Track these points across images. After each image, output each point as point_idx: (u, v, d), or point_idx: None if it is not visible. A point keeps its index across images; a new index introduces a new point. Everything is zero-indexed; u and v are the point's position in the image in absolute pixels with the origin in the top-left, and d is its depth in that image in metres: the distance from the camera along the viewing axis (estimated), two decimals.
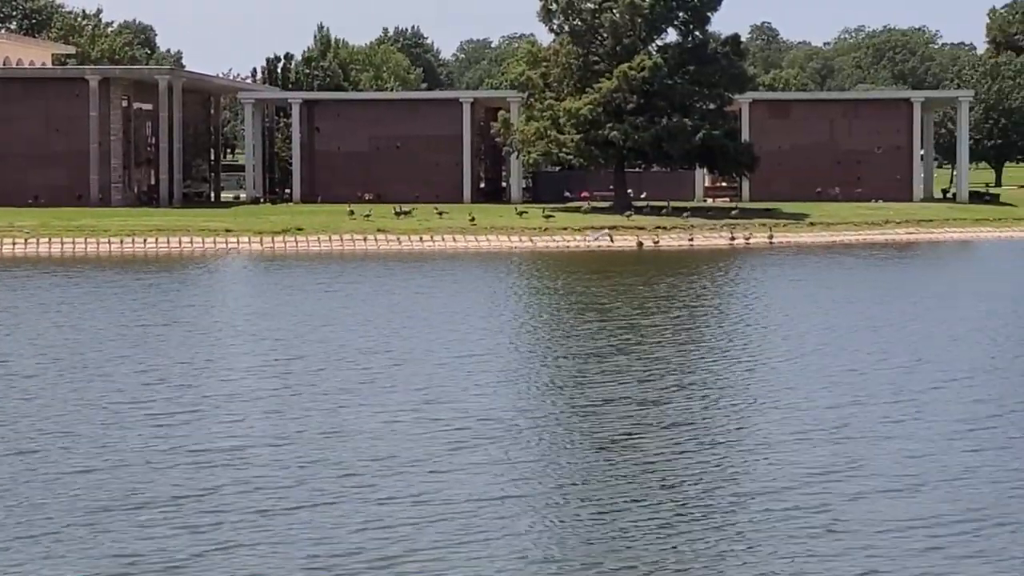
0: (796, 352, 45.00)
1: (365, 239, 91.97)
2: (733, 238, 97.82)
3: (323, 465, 29.74)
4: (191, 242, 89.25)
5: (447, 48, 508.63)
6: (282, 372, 40.81)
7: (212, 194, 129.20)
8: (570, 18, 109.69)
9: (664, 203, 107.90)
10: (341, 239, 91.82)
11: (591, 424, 33.78)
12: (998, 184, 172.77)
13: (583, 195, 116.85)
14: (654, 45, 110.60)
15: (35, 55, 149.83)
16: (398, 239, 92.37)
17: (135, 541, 24.46)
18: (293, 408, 35.58)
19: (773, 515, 25.54)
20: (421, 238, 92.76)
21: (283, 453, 30.77)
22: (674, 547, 23.85)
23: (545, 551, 24.07)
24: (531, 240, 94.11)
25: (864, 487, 27.50)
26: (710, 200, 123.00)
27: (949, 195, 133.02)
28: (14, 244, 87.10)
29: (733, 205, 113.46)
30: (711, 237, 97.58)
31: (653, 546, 23.98)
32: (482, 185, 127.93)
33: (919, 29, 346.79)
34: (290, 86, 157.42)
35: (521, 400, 37.12)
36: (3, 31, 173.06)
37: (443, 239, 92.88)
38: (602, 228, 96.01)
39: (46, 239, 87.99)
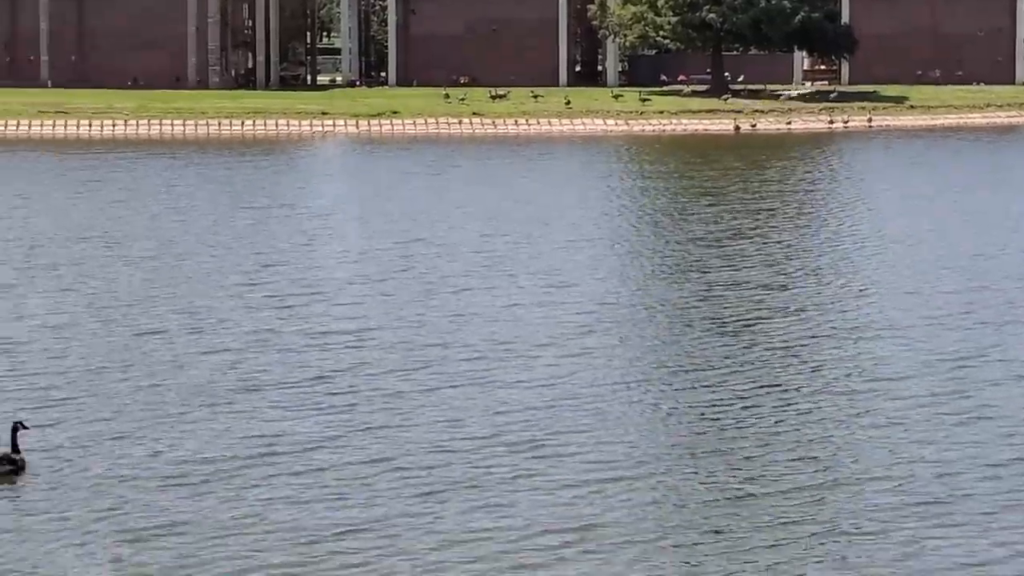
0: (912, 236, 44.47)
1: (460, 123, 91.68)
2: (831, 122, 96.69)
3: (446, 348, 29.75)
4: (287, 125, 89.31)
5: None
6: (398, 256, 40.78)
7: (308, 77, 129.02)
8: None
9: (761, 86, 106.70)
10: (436, 123, 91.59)
11: (716, 309, 33.55)
12: None
13: (681, 78, 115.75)
14: None
15: None
16: (493, 123, 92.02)
17: (267, 423, 24.59)
18: (413, 292, 35.57)
19: (911, 402, 25.31)
20: (516, 122, 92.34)
21: (409, 336, 30.79)
22: (811, 438, 23.67)
23: (673, 434, 24.00)
24: (627, 124, 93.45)
25: (1001, 373, 27.19)
26: (808, 83, 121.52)
27: None
28: (114, 126, 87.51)
29: (832, 88, 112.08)
30: (809, 121, 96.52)
31: (787, 434, 23.83)
32: (578, 69, 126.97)
33: None
34: None
35: (642, 284, 36.93)
36: None
37: (538, 123, 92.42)
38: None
39: (145, 121, 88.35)
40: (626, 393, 26.54)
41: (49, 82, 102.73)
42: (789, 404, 25.48)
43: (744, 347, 29.72)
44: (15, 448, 22.64)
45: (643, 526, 19.90)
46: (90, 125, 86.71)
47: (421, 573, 18.34)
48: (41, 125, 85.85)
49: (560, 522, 19.97)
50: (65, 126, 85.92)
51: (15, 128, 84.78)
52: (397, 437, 23.72)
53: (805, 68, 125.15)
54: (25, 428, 23.10)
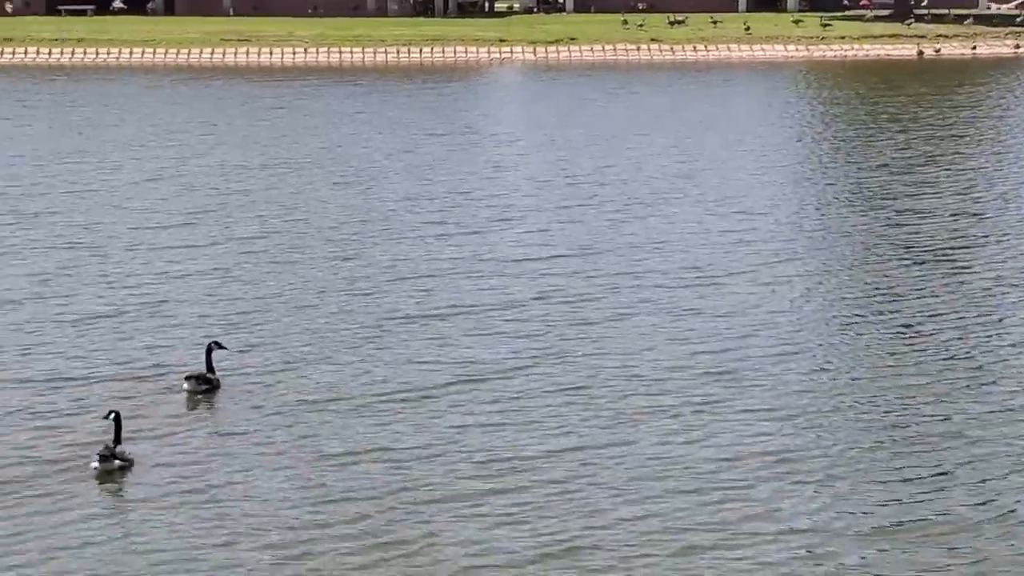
0: None
1: (638, 49, 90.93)
2: (1018, 47, 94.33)
3: (630, 276, 29.62)
4: (465, 52, 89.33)
5: None
6: (583, 183, 40.65)
7: (486, 4, 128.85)
8: None
9: (945, 10, 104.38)
10: (614, 49, 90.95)
11: (907, 237, 33.01)
12: None
13: (863, 3, 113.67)
14: None
15: None
16: (671, 49, 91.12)
17: (459, 350, 24.72)
18: (600, 219, 35.46)
19: None
20: (695, 48, 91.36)
21: (597, 263, 30.72)
22: (1017, 368, 23.21)
23: (867, 364, 23.70)
24: (807, 49, 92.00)
25: None
26: (994, 7, 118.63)
27: None
28: (294, 54, 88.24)
29: (1018, 12, 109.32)
30: (994, 45, 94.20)
31: (992, 365, 23.40)
32: None
33: None
34: None
35: (831, 212, 36.45)
36: None
37: (717, 49, 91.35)
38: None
39: (325, 49, 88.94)
40: (818, 322, 26.26)
41: (231, 10, 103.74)
42: (990, 334, 24.99)
43: (938, 276, 29.20)
44: (210, 368, 23.06)
45: (838, 458, 19.71)
46: (271, 53, 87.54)
47: (616, 501, 18.34)
48: (224, 53, 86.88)
49: (754, 452, 19.84)
50: (247, 54, 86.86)
51: (199, 56, 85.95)
52: (589, 364, 23.71)
53: None
54: (222, 348, 23.50)
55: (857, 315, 26.67)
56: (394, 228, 34.40)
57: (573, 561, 16.68)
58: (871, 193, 38.92)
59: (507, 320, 26.37)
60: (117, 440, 19.72)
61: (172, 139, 49.10)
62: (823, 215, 36.01)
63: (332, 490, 18.70)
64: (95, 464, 19.32)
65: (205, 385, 22.70)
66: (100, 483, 19.12)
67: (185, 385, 22.65)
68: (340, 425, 21.02)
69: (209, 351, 23.18)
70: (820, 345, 24.74)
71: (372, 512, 17.99)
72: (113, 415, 19.92)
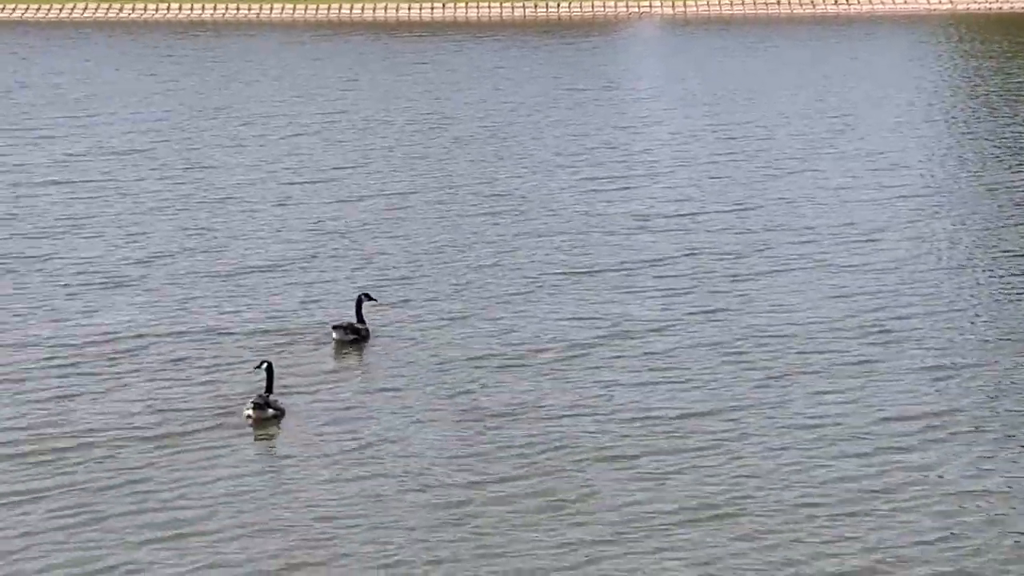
0: None
1: (778, 3, 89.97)
2: None
3: (780, 232, 29.39)
4: (603, 6, 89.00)
5: None
6: (724, 137, 40.35)
7: None
8: None
9: None
10: (753, 3, 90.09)
11: None
12: None
13: None
14: None
15: None
16: (811, 2, 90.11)
17: (605, 305, 24.67)
18: (742, 174, 35.19)
19: None
20: (836, 1, 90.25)
21: (740, 219, 30.50)
22: None
23: (1020, 320, 23.40)
24: (951, 2, 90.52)
25: None
26: None
27: None
28: (432, 8, 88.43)
29: None
30: None
31: None
32: None
33: None
34: None
35: (976, 168, 35.86)
36: None
37: (858, 2, 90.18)
38: None
39: (462, 4, 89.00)
40: (966, 279, 25.89)
41: None
42: None
43: None
44: (360, 318, 23.26)
45: (989, 414, 19.43)
46: (409, 8, 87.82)
47: (767, 457, 18.24)
48: (363, 9, 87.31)
49: (910, 411, 19.63)
50: (386, 10, 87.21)
51: (338, 12, 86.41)
52: (740, 321, 23.58)
53: None
54: (372, 300, 23.68)
55: (1004, 274, 26.22)
56: (542, 184, 34.39)
57: (724, 522, 16.60)
58: (1017, 148, 38.21)
59: (657, 276, 26.29)
60: (269, 389, 19.99)
61: (316, 94, 49.39)
62: (972, 170, 35.45)
63: (485, 446, 18.77)
64: (249, 412, 19.60)
65: (353, 335, 22.94)
66: (255, 431, 19.38)
67: (334, 335, 22.91)
68: (491, 381, 21.07)
69: (359, 302, 23.41)
70: (967, 302, 24.41)
71: (525, 469, 18.03)
72: (265, 365, 20.23)
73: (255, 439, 19.23)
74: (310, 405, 20.31)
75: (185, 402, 20.35)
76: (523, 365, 21.74)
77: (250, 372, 20.85)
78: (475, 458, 18.38)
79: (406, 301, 25.07)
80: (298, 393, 20.68)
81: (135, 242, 29.24)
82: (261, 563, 15.82)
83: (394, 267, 27.20)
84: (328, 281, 26.33)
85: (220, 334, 23.30)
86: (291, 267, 27.31)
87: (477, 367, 21.68)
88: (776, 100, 47.26)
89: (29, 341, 23.01)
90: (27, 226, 30.63)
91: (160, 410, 20.06)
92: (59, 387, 20.98)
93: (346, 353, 22.52)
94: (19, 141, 40.50)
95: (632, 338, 22.88)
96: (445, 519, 16.74)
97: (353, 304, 23.38)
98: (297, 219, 31.12)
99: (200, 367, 21.81)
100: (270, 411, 19.64)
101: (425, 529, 16.56)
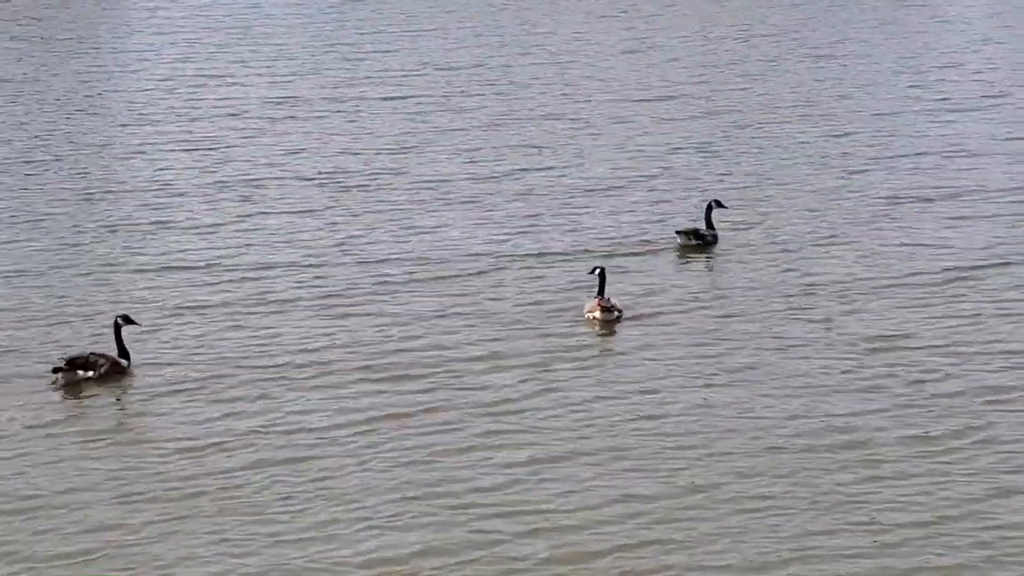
0: None
1: None
2: None
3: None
4: None
5: None
6: None
7: None
8: None
9: None
10: None
11: None
12: None
13: None
14: None
15: None
16: None
17: (963, 234, 23.66)
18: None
19: None
20: None
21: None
22: None
23: None
24: None
25: None
26: None
27: None
28: None
29: None
30: None
31: None
32: None
33: None
34: None
35: None
36: None
37: None
38: None
39: None
40: None
41: None
42: None
43: None
44: (709, 224, 23.15)
45: None
46: None
47: None
48: None
49: None
50: None
51: None
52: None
53: None
54: (723, 207, 23.61)
55: None
56: (876, 103, 33.38)
57: None
58: None
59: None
60: (600, 293, 19.95)
61: (643, 10, 48.86)
62: None
63: (864, 375, 17.67)
64: (595, 313, 19.61)
65: (697, 240, 22.78)
66: (599, 332, 19.29)
67: (678, 239, 22.89)
68: (850, 309, 20.03)
69: (708, 208, 23.35)
70: None
71: (912, 400, 16.92)
72: (599, 270, 20.32)
73: (600, 335, 19.22)
74: (646, 308, 20.12)
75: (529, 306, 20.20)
76: (887, 293, 20.60)
77: (587, 275, 20.65)
78: (858, 388, 17.10)
79: (765, 215, 24.53)
80: (635, 296, 20.49)
81: (477, 161, 29.05)
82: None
83: (738, 187, 26.55)
84: (665, 202, 25.83)
85: (558, 255, 22.79)
86: (633, 185, 26.85)
87: (833, 293, 20.66)
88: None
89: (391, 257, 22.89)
90: (361, 146, 30.56)
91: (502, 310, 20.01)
92: (414, 305, 20.75)
93: (689, 259, 22.25)
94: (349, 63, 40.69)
95: (1012, 264, 21.75)
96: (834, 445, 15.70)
97: (703, 209, 23.35)
98: (630, 139, 30.50)
99: (544, 284, 21.45)
100: (615, 314, 19.67)
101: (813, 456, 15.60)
